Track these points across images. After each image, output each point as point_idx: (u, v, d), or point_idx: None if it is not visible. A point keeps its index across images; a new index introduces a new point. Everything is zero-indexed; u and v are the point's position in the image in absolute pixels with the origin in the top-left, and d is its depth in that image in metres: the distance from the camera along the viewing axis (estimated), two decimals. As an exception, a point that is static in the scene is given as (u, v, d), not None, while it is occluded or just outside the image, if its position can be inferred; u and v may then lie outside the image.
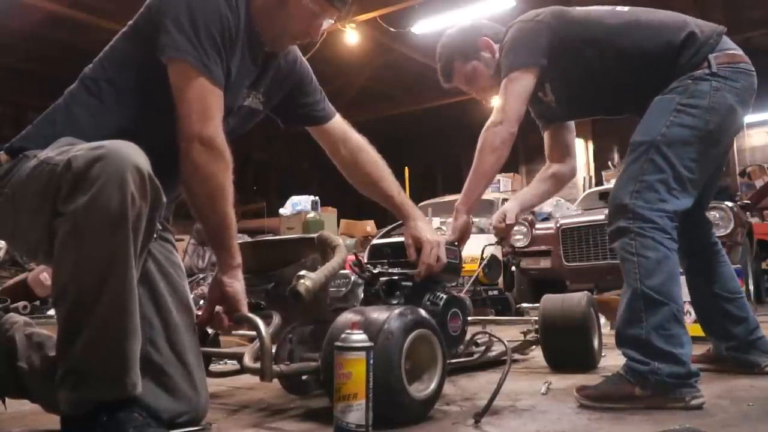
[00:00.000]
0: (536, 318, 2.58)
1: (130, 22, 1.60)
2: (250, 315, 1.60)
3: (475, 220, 6.73)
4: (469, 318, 2.18)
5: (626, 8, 2.08)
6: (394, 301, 1.91)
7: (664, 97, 1.90)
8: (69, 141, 1.43)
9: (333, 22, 1.72)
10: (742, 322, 2.14)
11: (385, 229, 2.43)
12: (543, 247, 5.44)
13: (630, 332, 1.75)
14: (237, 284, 1.54)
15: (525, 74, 2.02)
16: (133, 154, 1.27)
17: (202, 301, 5.61)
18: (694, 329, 2.40)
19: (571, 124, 2.42)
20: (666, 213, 1.79)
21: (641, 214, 1.78)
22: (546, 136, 2.40)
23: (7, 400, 1.66)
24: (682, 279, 2.54)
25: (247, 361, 1.59)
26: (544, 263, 5.50)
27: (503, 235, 2.30)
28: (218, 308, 1.56)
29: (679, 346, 1.71)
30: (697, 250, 2.21)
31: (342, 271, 1.81)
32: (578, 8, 2.11)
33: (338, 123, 1.99)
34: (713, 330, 2.24)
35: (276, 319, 1.71)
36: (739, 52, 1.96)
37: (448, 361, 1.70)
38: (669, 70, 1.92)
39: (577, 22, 2.06)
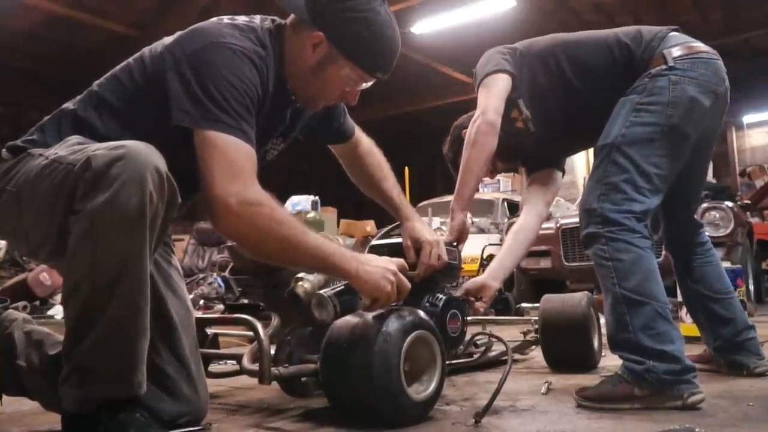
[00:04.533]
0: (536, 318, 2.58)
1: (151, 56, 1.50)
2: (249, 317, 1.60)
3: (475, 220, 6.75)
4: (469, 318, 2.18)
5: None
6: (393, 303, 1.91)
7: (625, 99, 1.90)
8: (79, 140, 1.42)
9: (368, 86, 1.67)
10: (728, 322, 2.13)
11: (384, 230, 2.43)
12: (543, 247, 5.44)
13: (619, 336, 1.76)
14: (376, 274, 1.54)
15: (495, 76, 2.07)
16: (152, 154, 1.28)
17: (202, 301, 5.61)
18: (693, 329, 2.40)
19: (556, 175, 2.43)
20: (634, 214, 1.78)
21: (609, 218, 1.78)
22: (528, 181, 2.45)
23: (5, 399, 1.66)
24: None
25: (246, 363, 1.59)
26: (544, 263, 5.49)
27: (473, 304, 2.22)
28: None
29: (670, 343, 1.70)
30: (684, 250, 2.21)
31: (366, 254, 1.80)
32: (544, 36, 2.20)
33: (355, 135, 2.00)
34: (702, 329, 2.24)
35: (275, 320, 1.71)
36: (697, 43, 1.95)
37: (447, 362, 1.70)
38: (626, 74, 1.94)
39: (540, 43, 2.14)
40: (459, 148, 2.34)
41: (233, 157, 1.37)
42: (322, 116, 1.85)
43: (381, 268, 1.55)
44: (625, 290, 1.74)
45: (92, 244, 1.24)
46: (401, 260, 1.68)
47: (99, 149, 1.28)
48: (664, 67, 1.87)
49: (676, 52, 1.90)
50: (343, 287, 1.58)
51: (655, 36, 1.95)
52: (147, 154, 1.27)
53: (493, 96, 2.06)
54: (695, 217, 2.26)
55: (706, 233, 2.28)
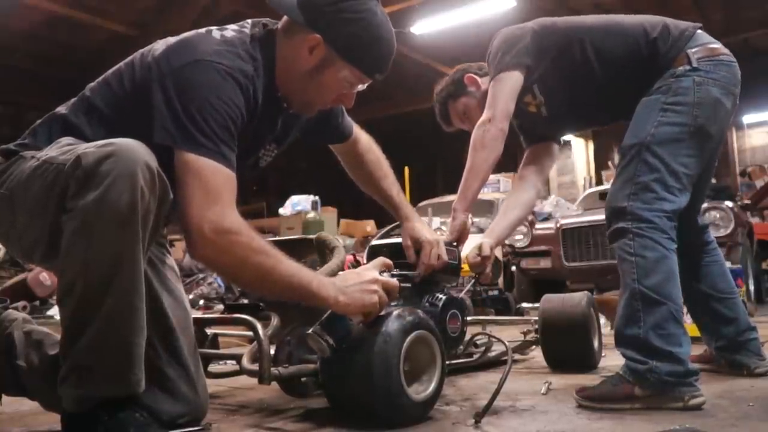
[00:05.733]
0: (536, 318, 2.58)
1: (141, 64, 1.47)
2: (248, 317, 1.59)
3: (475, 220, 6.75)
4: (469, 318, 2.18)
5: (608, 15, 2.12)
6: (393, 303, 1.91)
7: (649, 99, 1.91)
8: (70, 141, 1.42)
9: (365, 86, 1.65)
10: (731, 322, 2.14)
11: (384, 230, 2.43)
12: (543, 247, 5.45)
13: (628, 332, 1.75)
14: (355, 298, 1.49)
15: (511, 73, 2.05)
16: (142, 150, 1.27)
17: (201, 301, 5.59)
18: (693, 330, 2.40)
19: (554, 148, 2.42)
20: (665, 213, 1.79)
21: (639, 215, 1.78)
22: (526, 152, 2.42)
23: (5, 399, 1.66)
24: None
25: (246, 363, 1.59)
26: (544, 263, 5.50)
27: (480, 269, 2.22)
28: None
29: (678, 345, 1.70)
30: (689, 250, 2.21)
31: (341, 273, 1.80)
32: (562, 17, 2.17)
33: (354, 133, 1.99)
34: (704, 329, 2.24)
35: (274, 320, 1.71)
36: (718, 44, 1.96)
37: (447, 362, 1.70)
38: (649, 69, 1.94)
39: (560, 26, 2.11)
40: (455, 92, 2.37)
41: (212, 183, 1.34)
42: (319, 119, 1.83)
43: (359, 284, 1.50)
44: (644, 287, 1.74)
45: (85, 242, 1.24)
46: (381, 260, 1.64)
47: (89, 147, 1.28)
48: (688, 67, 1.88)
49: (699, 53, 1.90)
50: (326, 318, 1.52)
51: (682, 34, 1.95)
52: (137, 150, 1.26)
53: (504, 97, 2.05)
54: (701, 218, 2.26)
55: (711, 233, 2.28)
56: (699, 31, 1.98)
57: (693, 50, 1.91)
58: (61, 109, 1.54)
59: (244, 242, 1.36)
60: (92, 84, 1.55)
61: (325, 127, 1.89)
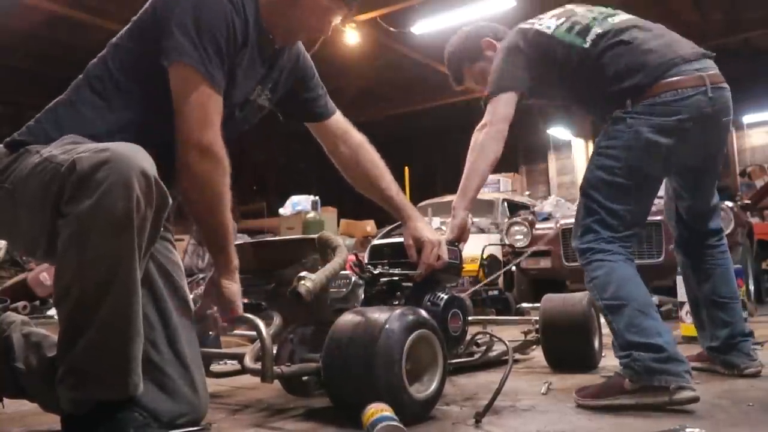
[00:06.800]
0: (536, 318, 2.58)
1: (135, 20, 1.59)
2: (251, 316, 1.60)
3: (476, 220, 6.75)
4: (470, 318, 2.18)
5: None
6: (395, 302, 1.92)
7: (596, 141, 1.99)
8: (73, 139, 1.42)
9: (339, 20, 1.74)
10: (727, 325, 2.16)
11: (385, 230, 2.43)
12: (543, 247, 5.44)
13: (615, 343, 1.83)
14: (234, 286, 1.56)
15: (508, 97, 2.06)
16: (139, 157, 1.27)
17: (202, 301, 5.56)
18: (690, 329, 2.41)
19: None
20: (603, 238, 1.88)
21: (582, 249, 1.91)
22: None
23: (5, 400, 1.66)
24: (679, 278, 2.56)
25: (248, 362, 1.59)
26: (544, 263, 5.50)
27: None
28: (214, 308, 1.56)
29: (657, 336, 1.74)
30: (695, 251, 2.22)
31: (342, 272, 1.81)
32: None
33: (338, 120, 1.99)
34: (701, 329, 2.26)
35: (277, 320, 1.71)
36: (674, 78, 1.85)
37: (448, 361, 1.70)
38: (606, 105, 1.96)
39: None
40: (473, 56, 2.34)
41: (207, 106, 1.49)
42: (298, 81, 1.88)
43: (238, 290, 1.57)
44: (605, 300, 1.84)
45: (80, 249, 1.24)
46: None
47: (85, 152, 1.28)
48: (621, 111, 1.89)
49: (643, 97, 1.86)
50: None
51: (638, 72, 1.89)
52: (133, 157, 1.26)
53: (504, 105, 2.07)
54: (713, 222, 2.22)
55: (725, 238, 2.26)
56: (676, 67, 1.87)
57: (639, 93, 1.86)
58: (62, 96, 1.58)
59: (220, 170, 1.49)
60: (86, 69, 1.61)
61: (306, 92, 1.91)
